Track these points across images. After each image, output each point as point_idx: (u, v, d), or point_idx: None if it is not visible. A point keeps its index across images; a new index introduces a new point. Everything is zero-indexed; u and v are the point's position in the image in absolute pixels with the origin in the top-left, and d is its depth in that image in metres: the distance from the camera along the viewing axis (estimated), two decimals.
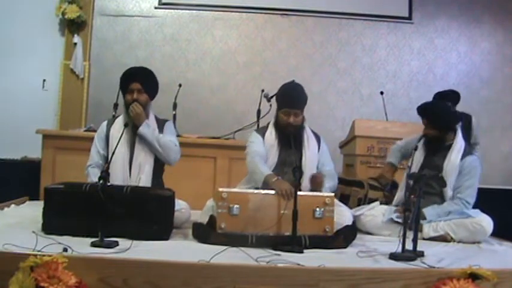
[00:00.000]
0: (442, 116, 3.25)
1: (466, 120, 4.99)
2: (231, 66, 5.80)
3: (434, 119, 3.23)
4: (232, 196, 2.69)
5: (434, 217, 3.09)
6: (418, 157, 3.28)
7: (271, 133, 3.17)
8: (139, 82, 3.11)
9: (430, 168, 3.20)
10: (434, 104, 3.38)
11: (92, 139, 3.27)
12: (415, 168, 3.24)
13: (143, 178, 3.05)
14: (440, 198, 3.18)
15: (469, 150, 3.28)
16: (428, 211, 3.09)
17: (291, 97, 3.11)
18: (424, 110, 3.30)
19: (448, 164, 3.18)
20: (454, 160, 3.17)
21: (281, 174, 2.99)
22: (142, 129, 3.04)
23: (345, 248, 2.67)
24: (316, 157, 3.14)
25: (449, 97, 4.87)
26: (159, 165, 3.18)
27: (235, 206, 2.65)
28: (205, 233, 2.68)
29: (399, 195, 3.28)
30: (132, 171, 3.06)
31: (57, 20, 5.53)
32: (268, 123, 3.27)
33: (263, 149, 3.13)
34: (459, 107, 4.57)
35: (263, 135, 3.18)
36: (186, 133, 4.33)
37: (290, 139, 2.98)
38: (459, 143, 3.23)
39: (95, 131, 3.89)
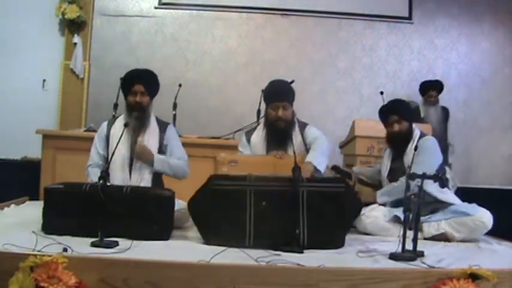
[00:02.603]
0: (408, 107, 3.42)
1: (444, 113, 5.14)
2: (231, 66, 5.80)
3: (405, 112, 3.33)
4: (230, 156, 2.97)
5: (385, 197, 3.19)
6: (386, 164, 3.38)
7: (257, 134, 3.23)
8: (143, 84, 3.12)
9: (398, 169, 3.26)
10: (398, 99, 3.50)
11: (92, 139, 3.28)
12: (384, 174, 3.35)
13: (144, 179, 3.05)
14: (434, 197, 3.18)
15: (421, 135, 3.34)
16: (378, 194, 3.20)
17: (277, 90, 3.19)
18: (393, 107, 3.36)
19: (406, 157, 3.23)
20: (410, 150, 3.21)
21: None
22: (157, 166, 3.06)
23: (342, 246, 2.66)
24: (303, 148, 3.19)
25: (434, 85, 5.10)
26: None
27: (234, 160, 2.86)
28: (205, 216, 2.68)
29: None
30: (133, 173, 3.07)
31: (57, 20, 5.53)
32: (259, 124, 3.32)
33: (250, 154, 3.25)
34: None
35: (250, 137, 3.28)
36: (186, 133, 4.33)
37: (278, 137, 3.02)
38: (413, 133, 3.32)
39: (95, 131, 3.89)
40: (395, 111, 3.32)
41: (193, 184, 3.22)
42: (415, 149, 2.91)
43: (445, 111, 5.24)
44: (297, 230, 2.55)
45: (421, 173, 2.71)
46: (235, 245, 2.47)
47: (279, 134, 3.04)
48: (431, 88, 5.15)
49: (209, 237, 2.60)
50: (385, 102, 3.51)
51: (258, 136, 3.21)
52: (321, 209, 2.63)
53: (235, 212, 2.60)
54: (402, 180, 3.09)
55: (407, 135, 3.29)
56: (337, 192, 2.66)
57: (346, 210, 2.68)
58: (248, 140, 3.25)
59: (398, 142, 3.32)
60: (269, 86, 3.25)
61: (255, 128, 3.32)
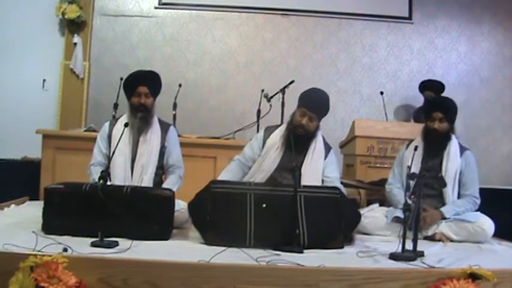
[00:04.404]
0: (455, 109, 3.25)
1: None
2: (231, 66, 5.79)
3: (450, 113, 3.20)
4: None
5: (452, 214, 3.09)
6: (415, 165, 3.11)
7: (278, 133, 3.14)
8: (147, 86, 3.13)
9: (430, 169, 3.11)
10: (447, 98, 3.37)
11: (92, 139, 3.28)
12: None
13: (145, 179, 3.06)
14: (440, 199, 3.18)
15: (460, 144, 3.28)
16: (446, 209, 3.09)
17: (313, 99, 3.08)
18: (441, 104, 3.25)
19: (448, 163, 3.16)
20: (454, 158, 3.17)
21: (280, 179, 2.99)
22: None
23: (342, 248, 2.65)
24: (320, 166, 3.09)
25: (434, 86, 5.05)
26: (160, 167, 3.20)
27: None
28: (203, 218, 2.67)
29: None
30: (134, 173, 3.08)
31: (57, 20, 5.53)
32: (281, 124, 3.26)
33: (250, 153, 3.16)
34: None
35: (269, 134, 3.17)
36: (186, 133, 4.33)
37: (296, 143, 2.92)
38: (454, 140, 3.24)
39: (95, 131, 3.90)
40: (442, 109, 3.18)
41: (193, 184, 3.25)
42: (461, 156, 3.14)
43: None
44: (297, 230, 2.55)
45: (477, 192, 3.12)
46: (236, 246, 2.47)
47: (296, 140, 2.97)
48: (426, 89, 5.13)
49: (210, 238, 2.59)
50: (434, 97, 3.38)
51: (278, 136, 3.12)
52: (319, 213, 2.64)
53: (236, 214, 2.61)
54: (471, 199, 3.18)
55: (445, 137, 3.19)
56: (333, 198, 2.71)
57: (343, 214, 2.69)
58: (265, 138, 3.16)
59: (434, 140, 3.19)
60: (309, 91, 3.13)
61: (274, 128, 3.25)
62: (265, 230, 2.56)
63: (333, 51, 5.86)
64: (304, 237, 2.59)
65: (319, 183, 3.04)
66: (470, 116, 5.84)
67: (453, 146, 3.21)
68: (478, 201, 3.20)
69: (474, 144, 5.72)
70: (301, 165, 3.00)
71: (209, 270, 2.07)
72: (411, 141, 3.37)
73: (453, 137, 3.26)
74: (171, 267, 2.06)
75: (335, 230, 2.68)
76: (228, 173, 3.15)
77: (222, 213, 2.62)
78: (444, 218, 3.08)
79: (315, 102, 3.07)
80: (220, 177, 3.11)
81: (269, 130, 3.23)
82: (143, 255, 2.18)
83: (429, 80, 5.23)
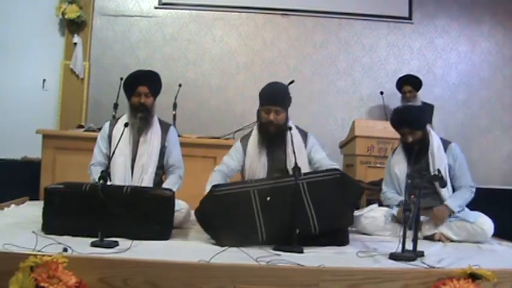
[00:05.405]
0: (419, 115, 3.24)
1: (429, 110, 5.10)
2: (231, 66, 5.80)
3: (416, 122, 3.14)
4: None
5: (458, 208, 3.09)
6: (402, 170, 3.20)
7: (253, 140, 3.14)
8: (147, 86, 3.13)
9: (420, 170, 3.05)
10: (407, 109, 3.35)
11: (91, 139, 3.29)
12: (402, 182, 3.14)
13: (146, 179, 3.06)
14: (436, 196, 3.16)
15: (442, 139, 3.27)
16: (452, 204, 3.08)
17: (270, 93, 3.09)
18: (402, 120, 3.17)
19: (435, 162, 3.14)
20: (439, 155, 3.16)
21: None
22: None
23: (353, 223, 2.79)
24: (304, 155, 3.09)
25: (412, 81, 5.05)
26: (160, 167, 3.20)
27: None
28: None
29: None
30: (135, 172, 3.08)
31: (57, 20, 5.53)
32: (252, 129, 3.24)
33: (233, 165, 3.14)
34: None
35: (247, 142, 3.16)
36: (186, 133, 4.33)
37: (273, 141, 2.99)
38: (434, 137, 3.23)
39: (94, 131, 3.90)
40: (405, 124, 3.14)
41: (193, 184, 3.27)
42: (445, 151, 3.12)
43: (429, 108, 5.14)
44: (297, 229, 2.54)
45: (470, 180, 3.13)
46: (249, 242, 2.50)
47: (272, 138, 3.00)
48: (404, 83, 5.13)
49: (222, 239, 2.57)
50: (398, 108, 3.33)
51: (254, 144, 3.12)
52: (324, 195, 2.68)
53: (243, 212, 2.63)
54: (467, 188, 3.17)
55: (423, 142, 3.14)
56: (335, 179, 2.75)
57: (347, 191, 2.74)
58: (244, 147, 3.15)
59: (414, 150, 3.13)
60: (265, 88, 3.14)
61: (248, 136, 3.23)
62: (274, 223, 2.58)
63: (333, 51, 5.86)
64: (314, 221, 2.62)
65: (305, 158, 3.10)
66: (470, 116, 5.84)
67: (435, 144, 3.18)
68: (474, 189, 3.19)
69: (474, 144, 5.74)
70: (285, 162, 2.99)
71: (209, 270, 2.07)
72: (396, 147, 3.39)
73: (433, 134, 3.24)
74: (171, 267, 2.06)
75: (342, 208, 2.72)
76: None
77: (229, 214, 2.63)
78: (452, 212, 3.07)
79: (272, 95, 3.07)
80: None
81: (245, 139, 3.21)
82: (143, 255, 2.18)
83: (407, 75, 5.24)
